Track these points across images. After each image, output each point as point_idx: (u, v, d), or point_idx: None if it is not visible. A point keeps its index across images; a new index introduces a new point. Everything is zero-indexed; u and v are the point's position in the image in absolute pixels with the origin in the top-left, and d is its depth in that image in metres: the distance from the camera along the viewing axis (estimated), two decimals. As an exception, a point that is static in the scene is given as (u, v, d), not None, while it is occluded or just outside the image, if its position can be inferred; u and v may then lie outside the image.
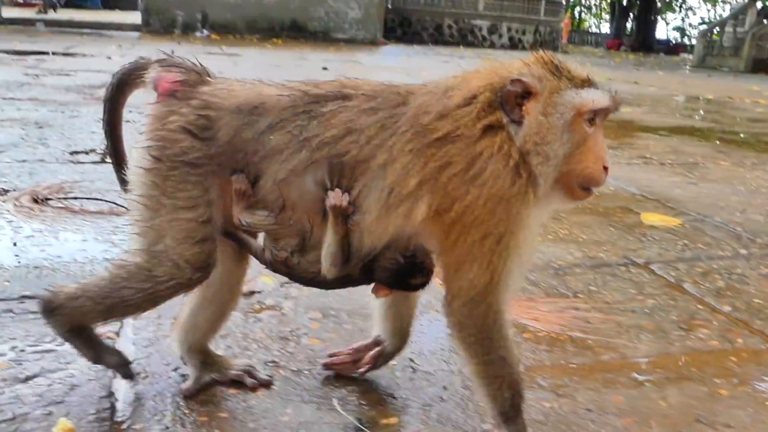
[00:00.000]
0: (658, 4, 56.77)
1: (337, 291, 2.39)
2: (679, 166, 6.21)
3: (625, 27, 58.29)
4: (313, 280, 1.94)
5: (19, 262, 2.95)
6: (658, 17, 60.80)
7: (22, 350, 2.23)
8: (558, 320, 2.73)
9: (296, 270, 1.94)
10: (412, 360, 2.34)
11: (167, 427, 1.88)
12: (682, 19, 75.18)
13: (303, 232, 1.86)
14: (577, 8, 71.77)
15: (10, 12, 25.23)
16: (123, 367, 2.04)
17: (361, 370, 2.19)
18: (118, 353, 2.06)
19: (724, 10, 58.39)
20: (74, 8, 34.53)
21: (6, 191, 3.93)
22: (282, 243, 1.90)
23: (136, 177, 1.85)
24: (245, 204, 1.85)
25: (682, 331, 2.72)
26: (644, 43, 49.21)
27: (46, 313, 1.94)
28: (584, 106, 1.69)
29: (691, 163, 6.41)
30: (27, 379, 2.07)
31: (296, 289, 2.80)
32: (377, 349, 2.20)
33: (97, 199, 3.86)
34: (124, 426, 1.88)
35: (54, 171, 4.45)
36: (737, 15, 29.79)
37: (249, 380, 2.12)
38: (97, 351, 2.01)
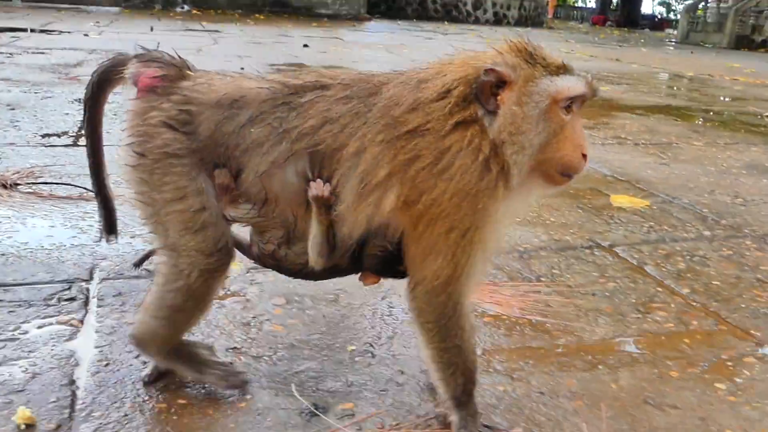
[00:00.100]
0: (644, -21, 56.53)
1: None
2: (652, 146, 6.26)
3: (610, 2, 58.09)
4: (302, 271, 1.98)
5: (-15, 249, 2.95)
6: (644, -8, 60.52)
7: (-15, 339, 2.24)
8: (519, 304, 2.78)
9: (284, 263, 1.98)
10: (371, 345, 2.39)
11: (126, 415, 1.92)
12: (668, -6, 75.19)
13: (287, 224, 1.89)
14: (563, -18, 71.40)
15: (-15, -14, 24.66)
16: (232, 377, 2.07)
17: None
18: (222, 365, 2.10)
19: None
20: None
21: (-26, 176, 3.90)
22: (268, 236, 1.93)
23: (126, 175, 1.88)
24: (229, 198, 1.87)
25: (640, 314, 2.79)
26: (629, 17, 49.09)
27: (141, 351, 2.06)
28: (560, 93, 1.68)
29: (665, 143, 6.47)
30: (-12, 368, 2.09)
31: (262, 275, 2.83)
32: None
33: (67, 184, 3.85)
34: (84, 414, 1.91)
35: (24, 155, 4.43)
36: (721, -9, 29.82)
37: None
38: (197, 368, 2.05)
